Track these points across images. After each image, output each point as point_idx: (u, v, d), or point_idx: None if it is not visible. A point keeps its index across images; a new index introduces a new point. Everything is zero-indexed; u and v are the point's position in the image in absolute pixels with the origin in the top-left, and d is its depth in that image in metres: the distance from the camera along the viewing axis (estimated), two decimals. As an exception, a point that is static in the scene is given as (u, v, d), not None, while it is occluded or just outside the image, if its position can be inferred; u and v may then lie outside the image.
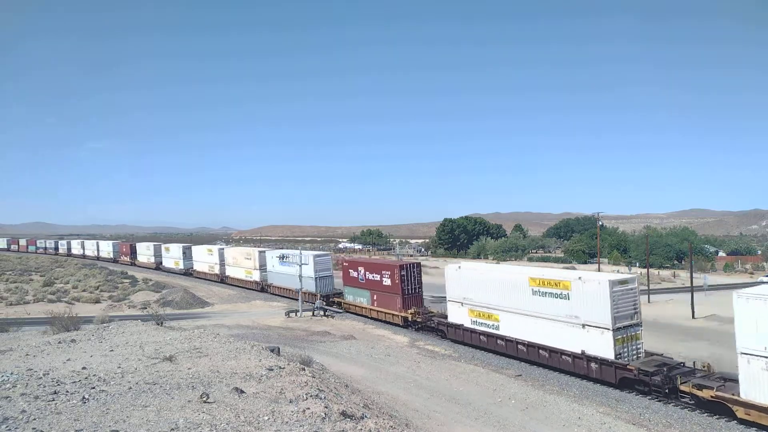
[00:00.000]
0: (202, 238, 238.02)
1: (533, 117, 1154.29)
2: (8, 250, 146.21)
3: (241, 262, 63.12)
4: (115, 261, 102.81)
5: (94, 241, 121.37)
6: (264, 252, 60.03)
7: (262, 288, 58.39)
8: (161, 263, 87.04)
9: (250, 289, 60.51)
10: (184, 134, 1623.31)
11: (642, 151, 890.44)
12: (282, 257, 53.93)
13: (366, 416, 11.95)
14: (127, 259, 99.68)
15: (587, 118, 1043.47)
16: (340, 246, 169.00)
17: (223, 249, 71.38)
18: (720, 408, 19.72)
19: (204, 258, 73.07)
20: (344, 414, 10.68)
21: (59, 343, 17.55)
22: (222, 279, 67.39)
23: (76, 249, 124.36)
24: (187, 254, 79.01)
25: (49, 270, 77.93)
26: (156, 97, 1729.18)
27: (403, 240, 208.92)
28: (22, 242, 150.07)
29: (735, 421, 19.53)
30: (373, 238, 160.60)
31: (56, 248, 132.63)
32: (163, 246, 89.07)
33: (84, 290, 57.39)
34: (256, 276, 59.59)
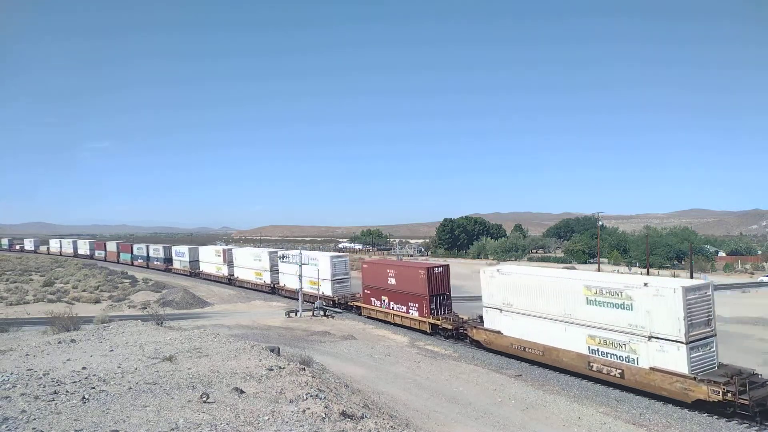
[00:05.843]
0: (202, 238, 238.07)
1: (533, 117, 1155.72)
2: (91, 257, 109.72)
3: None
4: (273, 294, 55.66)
5: (251, 250, 66.73)
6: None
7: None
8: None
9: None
10: (184, 134, 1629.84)
11: (642, 151, 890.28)
12: None
13: (366, 416, 11.94)
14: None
15: (587, 118, 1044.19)
16: (340, 246, 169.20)
17: None
18: None
19: None
20: (344, 414, 10.67)
21: (59, 343, 17.54)
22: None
23: (207, 264, 71.09)
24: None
25: (49, 270, 77.96)
26: (156, 97, 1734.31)
27: (403, 240, 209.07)
28: (111, 247, 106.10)
29: (735, 421, 19.57)
30: (373, 238, 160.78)
31: (168, 260, 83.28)
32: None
33: (84, 290, 57.38)
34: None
